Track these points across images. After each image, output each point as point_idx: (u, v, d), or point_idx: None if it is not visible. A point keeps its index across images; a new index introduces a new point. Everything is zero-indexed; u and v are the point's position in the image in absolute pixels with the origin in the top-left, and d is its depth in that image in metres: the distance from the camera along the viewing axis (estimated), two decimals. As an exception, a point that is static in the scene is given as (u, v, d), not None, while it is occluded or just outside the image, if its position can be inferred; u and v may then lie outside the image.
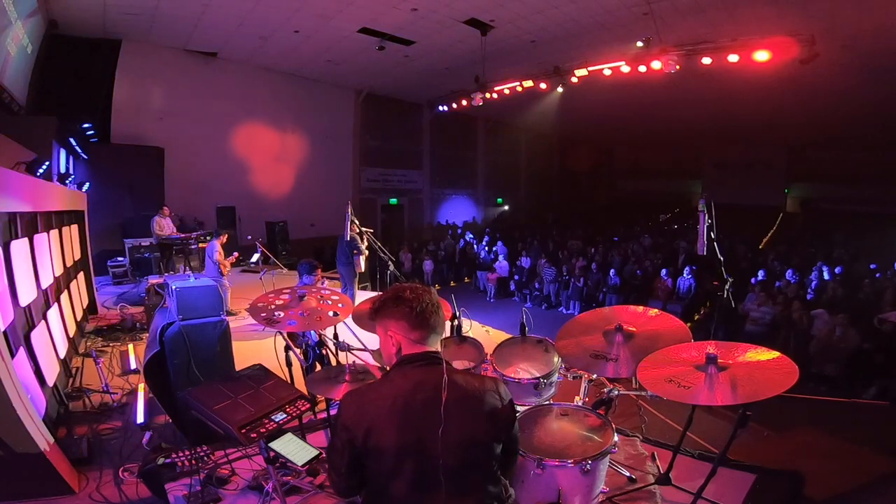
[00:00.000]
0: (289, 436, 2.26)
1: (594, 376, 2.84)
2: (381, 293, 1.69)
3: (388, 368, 1.63)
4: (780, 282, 9.94)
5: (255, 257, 8.04)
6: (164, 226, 9.21)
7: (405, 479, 1.44)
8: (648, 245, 14.77)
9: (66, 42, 9.22)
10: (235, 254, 8.18)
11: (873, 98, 12.23)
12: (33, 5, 7.25)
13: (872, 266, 10.94)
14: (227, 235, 7.73)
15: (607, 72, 10.28)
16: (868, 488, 2.99)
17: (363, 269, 7.46)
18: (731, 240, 14.09)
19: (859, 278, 10.13)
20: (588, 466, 2.12)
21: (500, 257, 14.01)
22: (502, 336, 4.73)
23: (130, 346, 5.48)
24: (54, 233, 5.40)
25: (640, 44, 9.28)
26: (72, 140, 8.70)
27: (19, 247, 3.81)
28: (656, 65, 9.27)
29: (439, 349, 1.60)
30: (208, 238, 8.01)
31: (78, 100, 9.74)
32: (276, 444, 2.19)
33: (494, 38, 10.65)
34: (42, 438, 2.79)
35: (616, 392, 2.61)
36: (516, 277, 13.52)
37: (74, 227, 6.79)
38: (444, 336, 3.18)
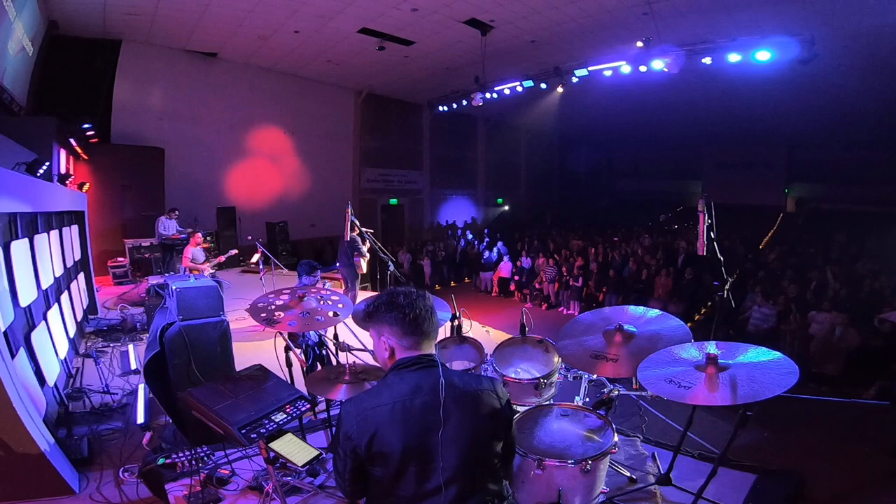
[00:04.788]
0: (289, 436, 2.26)
1: (594, 376, 2.84)
2: (375, 295, 1.70)
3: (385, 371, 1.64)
4: (781, 282, 9.92)
5: (255, 258, 8.04)
6: (170, 226, 9.22)
7: (408, 481, 1.45)
8: (648, 245, 14.76)
9: (66, 42, 9.21)
10: (220, 257, 8.06)
11: (873, 98, 12.23)
12: (34, 6, 7.25)
13: (872, 267, 10.92)
14: (198, 235, 7.53)
15: (607, 72, 10.28)
16: (868, 488, 2.99)
17: (364, 271, 7.47)
18: (731, 240, 14.09)
19: (860, 278, 10.12)
20: (588, 467, 2.12)
21: (505, 258, 14.03)
22: (502, 336, 4.73)
23: (130, 347, 5.48)
24: (54, 233, 5.40)
25: (640, 44, 9.27)
26: (72, 140, 8.68)
27: (20, 247, 3.82)
28: (656, 65, 9.27)
29: (434, 353, 1.61)
30: (186, 241, 7.81)
31: (78, 100, 9.74)
32: (276, 445, 2.20)
33: (494, 38, 10.65)
34: (42, 439, 2.79)
35: (616, 392, 2.61)
36: (516, 277, 13.51)
37: (75, 228, 6.79)
38: (442, 337, 3.20)
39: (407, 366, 1.54)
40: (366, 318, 1.66)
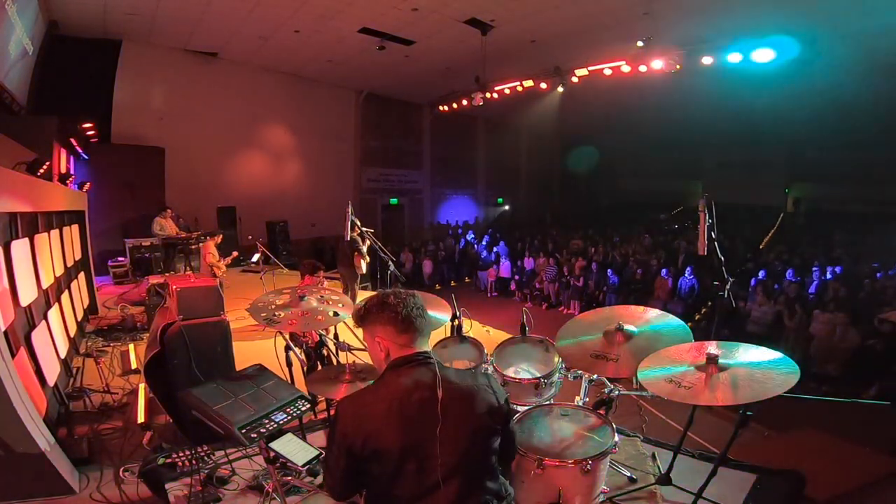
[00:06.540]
0: (289, 436, 2.26)
1: (594, 376, 2.84)
2: (365, 299, 1.70)
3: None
4: (781, 281, 9.92)
5: (256, 257, 8.04)
6: (166, 226, 9.22)
7: (406, 480, 1.45)
8: (649, 245, 14.75)
9: (66, 42, 9.21)
10: (234, 253, 8.14)
11: (874, 98, 12.21)
12: (34, 6, 7.25)
13: (875, 265, 10.91)
14: (220, 236, 7.65)
15: (607, 71, 10.28)
16: (868, 488, 2.99)
17: (364, 271, 7.46)
18: (731, 240, 14.08)
19: (860, 278, 10.12)
20: (588, 466, 2.12)
21: (502, 257, 14.01)
22: (502, 336, 4.72)
23: (131, 346, 5.48)
24: (55, 233, 5.40)
25: (640, 43, 9.28)
26: (72, 140, 8.69)
27: (20, 247, 3.82)
28: (656, 64, 9.27)
29: (429, 350, 1.61)
30: (203, 239, 7.98)
31: (78, 100, 9.73)
32: (277, 444, 2.20)
33: (494, 38, 10.64)
34: (43, 438, 2.79)
35: (616, 392, 2.61)
36: (516, 277, 13.51)
37: (75, 227, 6.79)
38: (442, 337, 3.20)
39: (403, 364, 1.54)
40: (359, 321, 1.66)
